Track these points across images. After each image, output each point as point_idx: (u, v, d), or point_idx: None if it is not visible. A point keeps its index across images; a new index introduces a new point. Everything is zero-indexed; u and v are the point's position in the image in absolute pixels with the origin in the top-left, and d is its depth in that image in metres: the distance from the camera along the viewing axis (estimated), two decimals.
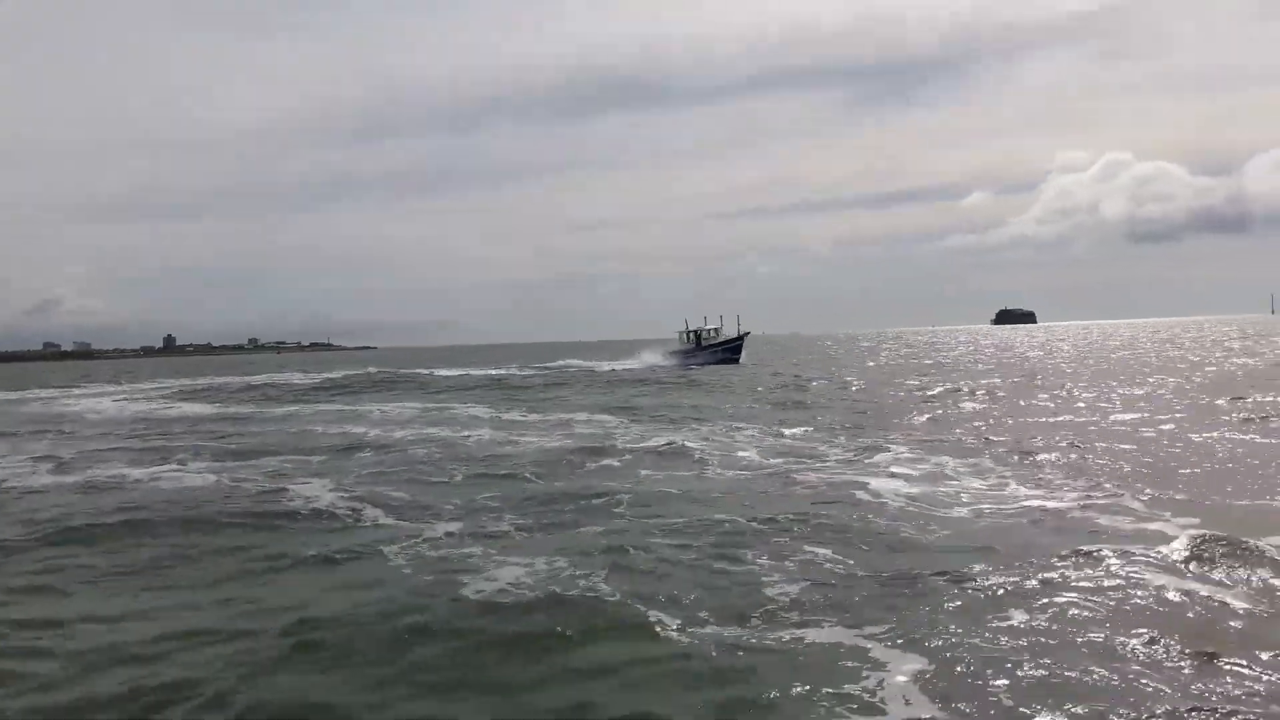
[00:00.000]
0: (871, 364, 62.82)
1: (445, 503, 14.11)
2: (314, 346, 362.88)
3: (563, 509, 13.35)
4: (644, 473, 16.64)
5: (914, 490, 14.00)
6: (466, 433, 24.58)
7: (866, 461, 17.04)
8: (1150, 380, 35.48)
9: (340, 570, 10.43)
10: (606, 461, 18.12)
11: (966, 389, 34.47)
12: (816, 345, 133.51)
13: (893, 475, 15.32)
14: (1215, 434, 18.84)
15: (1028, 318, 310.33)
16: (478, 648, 7.66)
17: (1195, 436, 18.55)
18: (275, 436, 25.63)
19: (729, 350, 66.94)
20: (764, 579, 9.38)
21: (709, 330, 69.44)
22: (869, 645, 7.46)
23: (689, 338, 69.89)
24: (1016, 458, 16.76)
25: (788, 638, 7.69)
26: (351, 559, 10.84)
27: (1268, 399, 25.40)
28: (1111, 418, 22.82)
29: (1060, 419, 23.12)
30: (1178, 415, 22.57)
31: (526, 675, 7.09)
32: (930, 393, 33.82)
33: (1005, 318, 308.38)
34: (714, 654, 7.34)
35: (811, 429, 22.84)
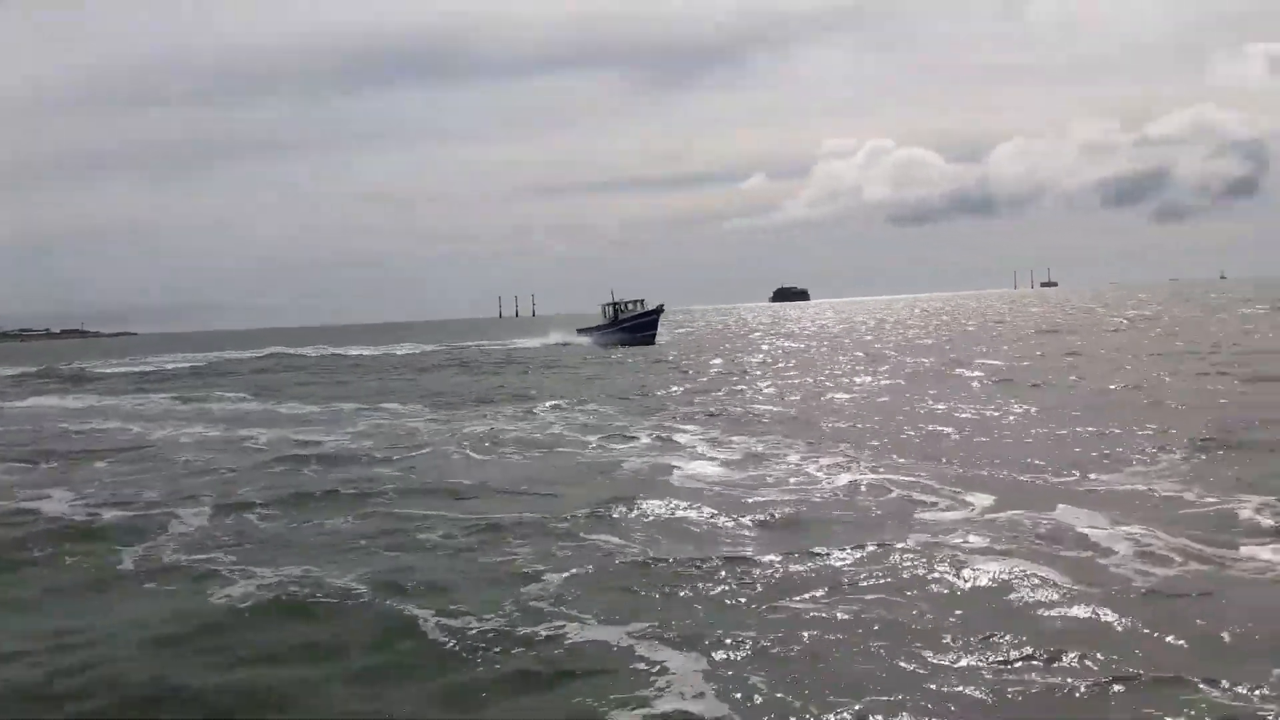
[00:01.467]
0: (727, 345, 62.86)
1: None
2: (66, 334, 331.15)
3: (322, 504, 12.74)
4: (422, 461, 16.19)
5: (714, 471, 13.98)
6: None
7: (667, 442, 17.07)
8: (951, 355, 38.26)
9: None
10: (402, 454, 17.33)
11: (765, 365, 35.92)
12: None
13: (696, 457, 15.27)
14: (1002, 410, 19.69)
15: (802, 295, 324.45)
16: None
17: (991, 412, 19.10)
18: None
19: (640, 328, 60.84)
20: (530, 569, 9.14)
21: (630, 304, 63.07)
22: (636, 642, 7.13)
23: (610, 312, 63.80)
24: (817, 437, 16.87)
25: (546, 633, 7.43)
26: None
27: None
28: (911, 398, 23.12)
29: (855, 396, 23.95)
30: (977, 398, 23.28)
31: (275, 677, 6.71)
32: (734, 372, 34.83)
33: (782, 295, 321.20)
34: (467, 649, 7.14)
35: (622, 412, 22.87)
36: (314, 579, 8.96)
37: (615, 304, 63.52)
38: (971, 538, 9.51)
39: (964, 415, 18.82)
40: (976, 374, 27.71)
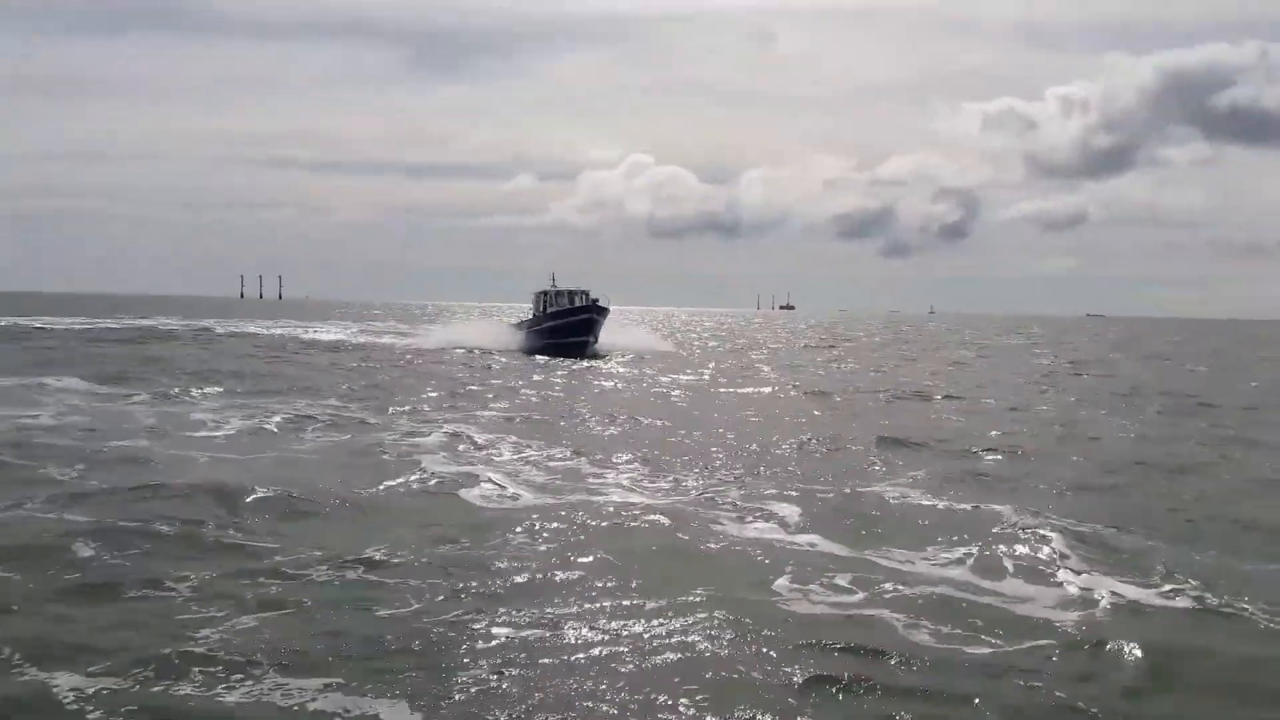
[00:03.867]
0: None
1: None
2: None
3: None
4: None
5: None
6: None
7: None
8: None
9: None
10: None
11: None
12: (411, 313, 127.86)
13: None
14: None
15: None
16: None
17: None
18: None
19: (569, 330, 46.16)
20: None
21: (571, 296, 48.58)
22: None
23: (541, 303, 49.49)
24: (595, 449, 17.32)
25: None
26: None
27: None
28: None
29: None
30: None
31: None
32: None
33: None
34: None
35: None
36: None
37: (547, 293, 48.94)
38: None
39: None
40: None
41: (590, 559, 9.94)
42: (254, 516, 11.43)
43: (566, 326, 46.30)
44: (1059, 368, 46.63)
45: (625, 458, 16.38)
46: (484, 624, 8.02)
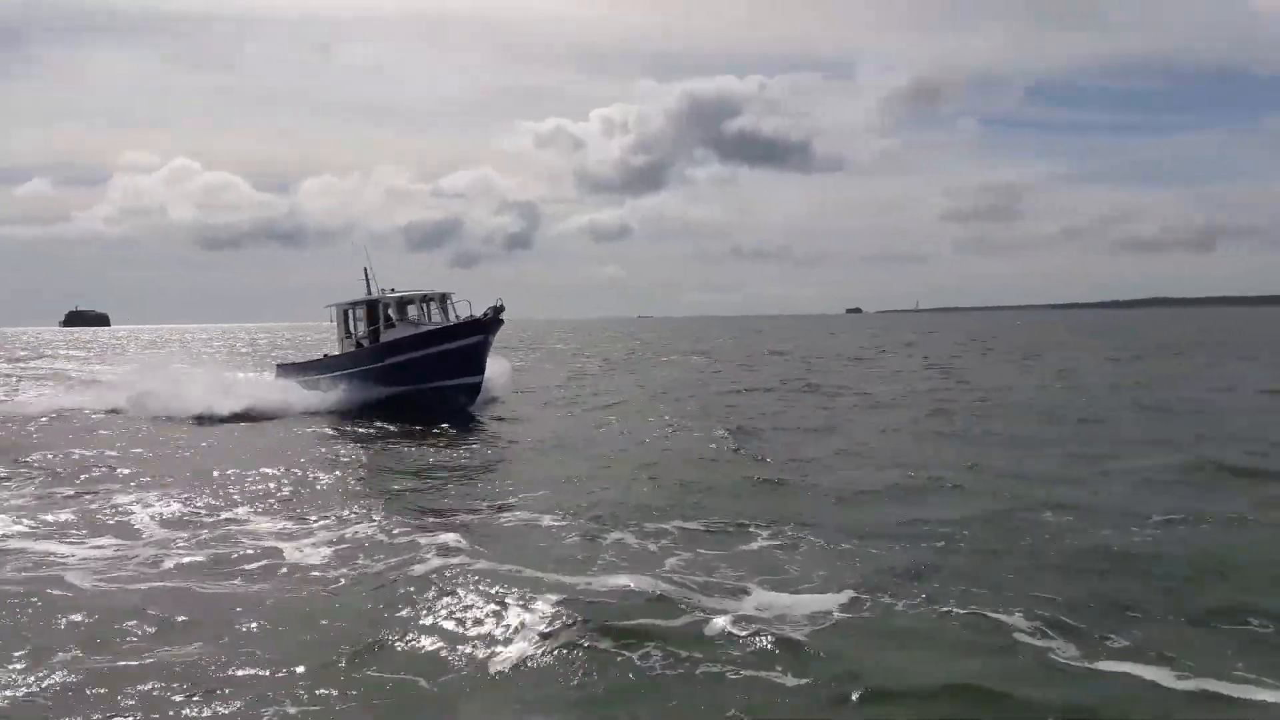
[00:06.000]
0: None
1: None
2: None
3: None
4: None
5: None
6: None
7: None
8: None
9: None
10: None
11: None
12: None
13: None
14: None
15: (101, 320, 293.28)
16: None
17: None
18: None
19: (450, 362, 25.29)
20: None
21: (428, 304, 28.40)
22: None
23: (357, 321, 28.96)
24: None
25: None
26: None
27: None
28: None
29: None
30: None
31: None
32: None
33: (76, 319, 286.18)
34: None
35: None
36: None
37: (376, 304, 27.94)
38: None
39: None
40: None
41: None
42: None
43: (437, 359, 25.28)
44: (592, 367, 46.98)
45: None
46: None
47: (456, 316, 27.53)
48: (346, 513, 12.56)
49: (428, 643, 7.63)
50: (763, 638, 7.50)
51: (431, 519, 12.10)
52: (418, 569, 9.63)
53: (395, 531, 11.37)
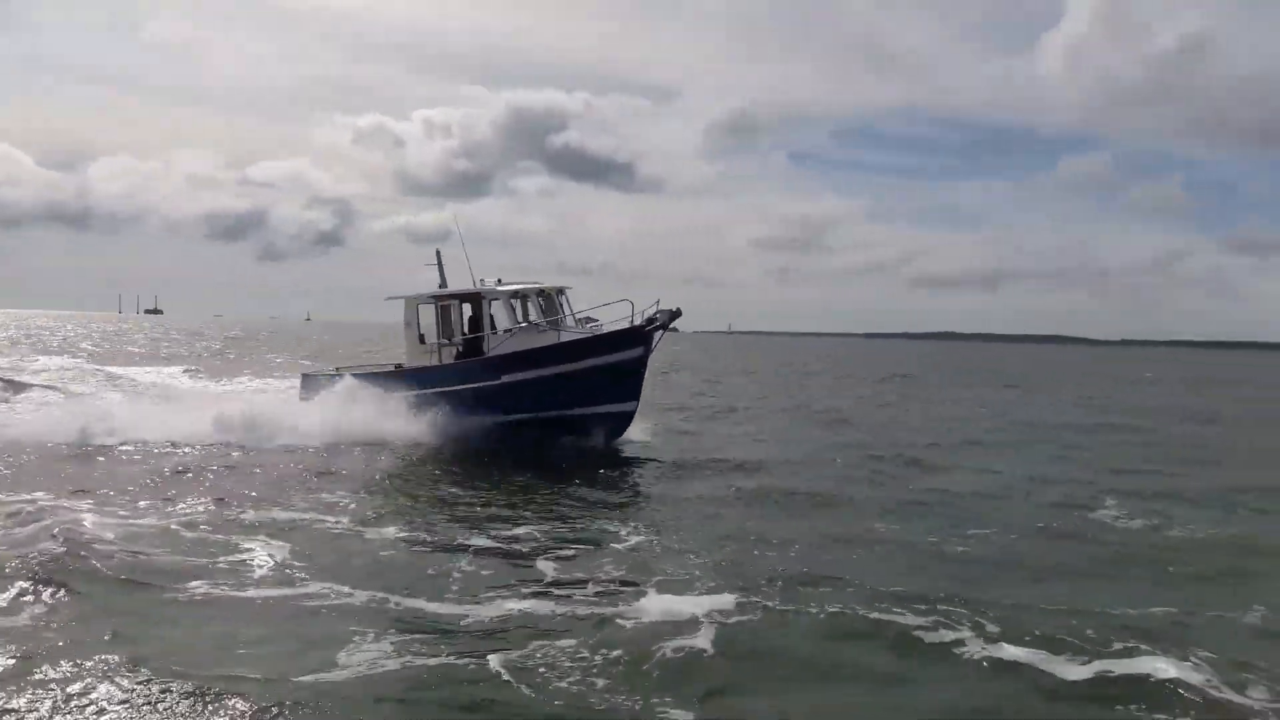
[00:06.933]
0: None
1: None
2: None
3: None
4: None
5: None
6: None
7: None
8: None
9: None
10: None
11: None
12: None
13: None
14: None
15: None
16: None
17: None
18: None
19: (595, 381, 19.82)
20: None
21: (547, 299, 21.73)
22: None
23: (443, 323, 22.24)
24: None
25: None
26: None
27: None
28: None
29: None
30: None
31: None
32: None
33: None
34: None
35: None
36: None
37: (485, 294, 21.51)
38: None
39: None
40: None
41: None
42: None
43: (580, 378, 20.05)
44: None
45: None
46: None
47: (573, 317, 21.67)
48: None
49: None
50: None
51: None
52: None
53: None
